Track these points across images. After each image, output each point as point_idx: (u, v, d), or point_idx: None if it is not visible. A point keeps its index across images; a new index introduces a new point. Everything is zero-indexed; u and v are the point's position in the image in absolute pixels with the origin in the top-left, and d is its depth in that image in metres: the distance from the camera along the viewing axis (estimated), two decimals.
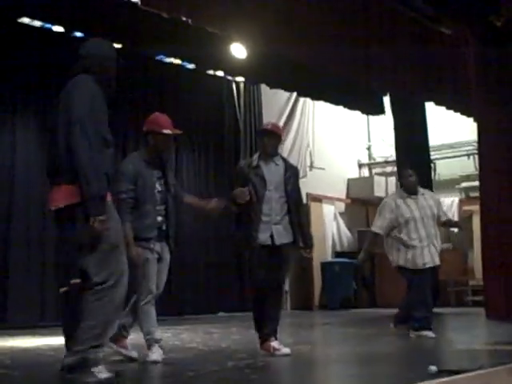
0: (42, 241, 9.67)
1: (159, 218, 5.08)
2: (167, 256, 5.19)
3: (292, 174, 5.63)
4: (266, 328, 5.41)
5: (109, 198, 3.76)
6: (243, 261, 12.66)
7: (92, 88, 3.74)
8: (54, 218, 3.83)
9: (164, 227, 5.12)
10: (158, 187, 5.11)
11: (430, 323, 6.75)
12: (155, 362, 4.87)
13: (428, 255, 6.81)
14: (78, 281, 3.80)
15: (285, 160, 5.76)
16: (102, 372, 3.61)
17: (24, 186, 9.54)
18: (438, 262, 6.93)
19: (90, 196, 3.54)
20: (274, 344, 5.34)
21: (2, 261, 9.20)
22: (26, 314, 9.22)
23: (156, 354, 4.93)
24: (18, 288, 9.24)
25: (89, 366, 3.57)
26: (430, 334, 6.61)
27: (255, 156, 5.70)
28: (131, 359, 5.08)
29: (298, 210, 5.61)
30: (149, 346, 5.01)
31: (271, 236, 5.40)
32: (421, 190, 7.10)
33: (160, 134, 5.13)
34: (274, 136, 5.58)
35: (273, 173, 5.53)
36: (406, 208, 6.87)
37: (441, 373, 3.76)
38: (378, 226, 6.97)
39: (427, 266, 6.79)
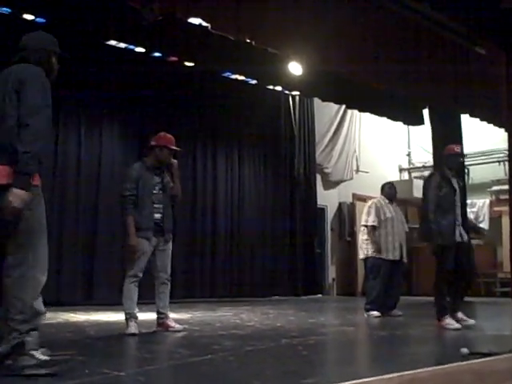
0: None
1: (157, 215, 5.38)
2: (165, 247, 5.43)
3: (463, 187, 6.32)
4: (446, 308, 5.84)
5: (37, 181, 3.28)
6: (296, 253, 12.69)
7: (45, 81, 3.37)
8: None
9: (161, 223, 5.39)
10: (156, 190, 5.42)
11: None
12: (132, 335, 5.04)
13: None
14: None
15: (457, 173, 6.35)
16: (40, 355, 3.18)
17: (109, 182, 9.73)
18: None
19: (18, 171, 3.12)
20: (461, 315, 5.93)
21: (90, 248, 9.40)
22: (108, 292, 9.38)
23: (133, 328, 5.13)
24: (103, 271, 9.42)
25: (27, 350, 3.12)
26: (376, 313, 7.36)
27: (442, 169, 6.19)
28: (179, 331, 5.34)
29: (465, 214, 6.12)
30: (127, 320, 5.20)
31: (460, 235, 5.95)
32: None
33: (167, 148, 5.48)
34: (457, 156, 6.25)
35: (456, 183, 6.09)
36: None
37: (472, 355, 3.67)
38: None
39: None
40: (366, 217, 7.75)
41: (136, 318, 5.22)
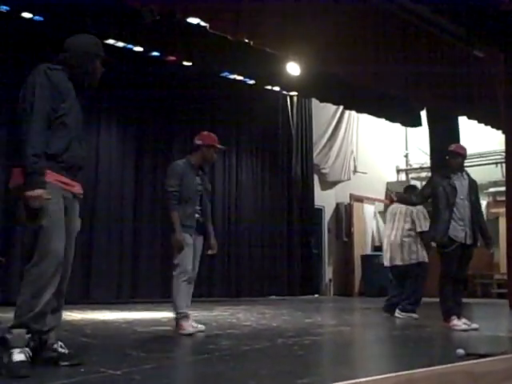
0: (121, 229, 9.89)
1: (197, 215, 5.24)
2: (200, 246, 5.30)
3: (473, 186, 6.15)
4: (453, 309, 5.87)
5: (51, 178, 3.25)
6: (295, 252, 12.69)
7: (40, 78, 3.30)
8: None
9: (201, 225, 5.27)
10: (198, 190, 5.28)
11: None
12: (189, 335, 4.93)
13: None
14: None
15: (468, 175, 6.24)
16: (19, 354, 3.07)
17: (106, 181, 9.75)
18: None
19: (25, 172, 3.15)
20: (464, 320, 5.87)
21: (87, 247, 9.39)
22: (105, 291, 9.41)
23: (190, 328, 5.02)
24: (99, 270, 9.44)
25: (8, 347, 3.08)
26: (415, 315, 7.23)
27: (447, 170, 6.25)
28: (200, 331, 5.18)
29: (478, 216, 6.09)
30: (179, 320, 5.07)
31: (465, 236, 5.90)
32: None
33: (215, 147, 5.39)
34: (458, 155, 6.16)
35: (461, 184, 6.06)
36: None
37: (468, 356, 3.67)
38: None
39: None
40: (419, 222, 7.47)
41: (189, 317, 5.10)
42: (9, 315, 3.46)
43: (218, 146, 5.43)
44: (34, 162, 3.15)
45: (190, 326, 5.04)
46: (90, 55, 3.54)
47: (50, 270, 3.19)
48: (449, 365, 3.39)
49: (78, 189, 3.46)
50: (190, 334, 4.95)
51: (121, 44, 9.50)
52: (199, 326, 5.31)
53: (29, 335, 3.17)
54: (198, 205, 5.26)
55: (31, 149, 3.15)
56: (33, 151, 3.15)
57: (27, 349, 3.16)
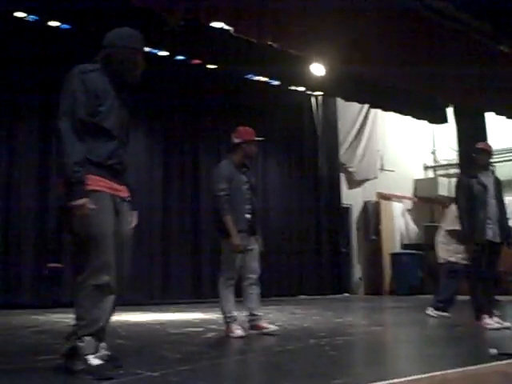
0: (151, 231, 10.02)
1: (247, 216, 5.20)
2: (255, 246, 5.27)
3: (498, 184, 6.16)
4: (485, 307, 5.88)
5: (101, 186, 3.26)
6: (328, 251, 12.70)
7: (72, 83, 3.22)
8: None
9: (252, 224, 5.23)
10: (245, 189, 5.25)
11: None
12: (241, 337, 4.93)
13: None
14: (54, 265, 3.47)
15: (493, 172, 6.32)
16: (94, 359, 3.14)
17: (134, 183, 9.83)
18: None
19: (64, 182, 3.14)
20: (496, 319, 5.85)
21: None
22: (136, 293, 9.51)
23: (239, 331, 5.01)
24: (131, 272, 9.55)
25: (80, 355, 3.14)
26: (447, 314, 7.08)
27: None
28: (273, 333, 5.14)
29: (502, 214, 6.06)
30: (228, 324, 5.07)
31: (493, 234, 5.91)
32: None
33: (254, 141, 5.35)
34: (485, 153, 6.13)
35: (490, 182, 6.06)
36: None
37: (501, 355, 3.68)
38: None
39: None
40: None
41: (237, 319, 5.11)
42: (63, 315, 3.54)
43: (257, 139, 5.37)
44: (76, 170, 3.10)
45: (238, 328, 5.04)
46: (129, 50, 3.33)
47: (105, 280, 3.22)
48: (483, 365, 3.41)
49: (124, 193, 3.45)
50: (239, 337, 4.94)
51: (147, 49, 9.59)
52: (271, 326, 5.26)
53: (97, 342, 3.21)
54: (250, 202, 5.23)
55: (70, 157, 3.11)
56: (73, 159, 3.11)
57: (103, 352, 3.23)
